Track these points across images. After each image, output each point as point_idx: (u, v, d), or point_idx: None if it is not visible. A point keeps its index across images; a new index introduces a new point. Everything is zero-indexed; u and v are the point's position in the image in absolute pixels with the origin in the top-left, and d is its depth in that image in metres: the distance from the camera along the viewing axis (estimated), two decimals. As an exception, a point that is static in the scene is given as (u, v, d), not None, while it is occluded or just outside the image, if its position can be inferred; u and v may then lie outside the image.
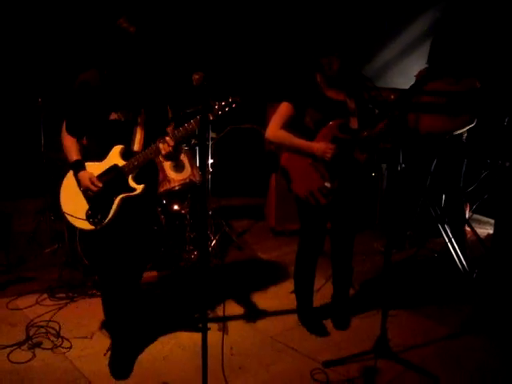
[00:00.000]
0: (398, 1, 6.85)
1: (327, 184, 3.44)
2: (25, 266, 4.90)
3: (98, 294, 4.26)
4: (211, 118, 2.86)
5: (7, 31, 6.36)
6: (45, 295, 4.26)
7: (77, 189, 3.21)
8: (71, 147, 3.21)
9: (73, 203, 3.23)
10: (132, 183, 3.15)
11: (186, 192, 4.77)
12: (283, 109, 3.51)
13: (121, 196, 3.15)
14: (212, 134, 5.42)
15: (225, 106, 2.86)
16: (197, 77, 2.52)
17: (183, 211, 4.74)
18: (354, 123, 3.51)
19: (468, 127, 4.91)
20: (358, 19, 6.59)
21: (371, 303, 4.16)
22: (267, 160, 5.86)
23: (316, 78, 3.52)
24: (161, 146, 3.04)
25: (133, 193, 3.15)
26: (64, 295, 4.26)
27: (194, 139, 5.05)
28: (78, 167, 3.17)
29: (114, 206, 3.15)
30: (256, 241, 5.80)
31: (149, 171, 3.27)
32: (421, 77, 4.36)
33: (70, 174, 3.25)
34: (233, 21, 6.71)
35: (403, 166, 4.27)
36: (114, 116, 3.12)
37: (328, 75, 3.44)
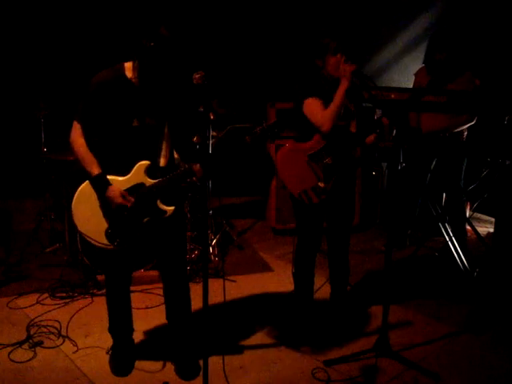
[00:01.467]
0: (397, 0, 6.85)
1: (321, 184, 3.45)
2: (25, 265, 4.89)
3: (99, 293, 4.28)
4: (248, 141, 2.83)
5: (10, 31, 6.37)
6: (45, 294, 4.27)
7: (94, 205, 2.94)
8: (90, 158, 2.90)
9: (90, 222, 2.95)
10: (161, 205, 2.95)
11: (186, 191, 4.77)
12: (315, 102, 3.39)
13: (148, 219, 2.96)
14: (212, 133, 5.42)
15: (267, 130, 2.92)
16: (197, 76, 2.52)
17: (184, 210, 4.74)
18: (353, 127, 3.52)
19: (468, 125, 4.92)
20: (358, 17, 6.58)
21: (372, 302, 4.17)
22: (268, 159, 5.86)
23: (321, 79, 3.49)
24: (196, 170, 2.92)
25: (162, 216, 2.96)
26: (65, 294, 4.27)
27: (196, 137, 5.04)
28: (104, 183, 2.89)
29: (140, 229, 2.96)
30: (257, 240, 5.80)
31: (178, 188, 3.11)
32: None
33: (84, 189, 2.97)
34: (232, 20, 6.70)
35: (403, 164, 4.25)
36: (136, 123, 2.89)
37: (328, 76, 3.43)
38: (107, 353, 3.45)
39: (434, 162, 5.16)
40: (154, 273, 4.39)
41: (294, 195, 3.49)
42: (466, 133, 5.01)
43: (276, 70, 6.71)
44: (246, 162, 6.77)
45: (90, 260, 4.39)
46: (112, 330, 3.40)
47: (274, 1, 6.72)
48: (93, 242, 2.94)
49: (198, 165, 2.88)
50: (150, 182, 2.93)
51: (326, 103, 3.36)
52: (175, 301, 3.28)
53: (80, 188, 2.97)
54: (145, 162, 2.91)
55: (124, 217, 2.93)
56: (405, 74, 6.45)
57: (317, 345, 3.58)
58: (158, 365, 3.35)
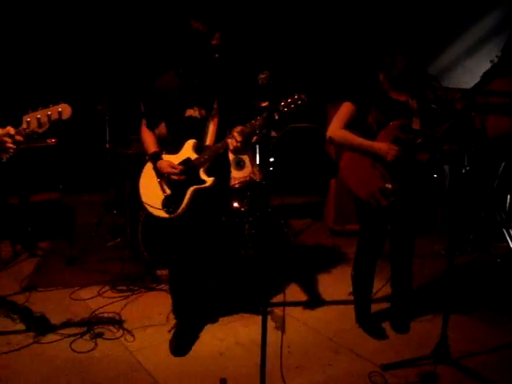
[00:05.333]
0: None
1: (388, 185, 3.39)
2: (88, 258, 5.04)
3: (158, 287, 4.37)
4: (276, 118, 2.88)
5: (79, 30, 6.55)
6: (107, 287, 4.38)
7: (153, 180, 3.42)
8: (150, 141, 3.45)
9: (150, 193, 3.45)
10: (203, 176, 3.32)
11: (245, 190, 4.79)
12: (345, 108, 3.48)
13: (193, 188, 3.32)
14: (272, 133, 5.42)
15: (291, 103, 2.89)
16: (263, 76, 2.53)
17: (242, 209, 4.76)
18: (416, 124, 3.45)
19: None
20: (423, 17, 6.46)
21: (431, 307, 4.07)
22: (327, 159, 5.82)
23: (379, 78, 3.48)
24: (229, 141, 3.17)
25: (203, 185, 3.31)
26: (125, 288, 4.37)
27: (256, 137, 5.06)
28: (157, 157, 3.37)
29: (187, 197, 3.32)
30: (314, 240, 5.77)
31: (220, 165, 3.43)
32: (484, 74, 4.24)
33: (147, 166, 3.48)
34: (295, 20, 6.69)
35: (468, 168, 4.18)
36: (188, 113, 3.32)
37: (391, 75, 3.40)
38: (169, 331, 3.61)
39: (502, 166, 5.00)
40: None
41: (363, 199, 3.45)
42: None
43: (337, 69, 6.66)
44: (305, 161, 6.78)
45: (150, 254, 4.50)
46: (175, 311, 3.67)
47: (336, 2, 6.67)
48: (153, 211, 3.42)
49: (233, 139, 3.15)
50: (195, 156, 3.33)
51: (364, 111, 3.43)
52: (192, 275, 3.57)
53: (145, 167, 3.52)
54: (192, 140, 3.33)
55: (173, 185, 3.36)
56: (468, 76, 6.28)
57: (374, 348, 3.54)
58: (214, 360, 3.39)
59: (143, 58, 6.49)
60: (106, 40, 6.63)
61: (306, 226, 6.24)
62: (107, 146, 5.27)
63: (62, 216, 5.62)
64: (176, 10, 5.24)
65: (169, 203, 3.37)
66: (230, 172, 3.71)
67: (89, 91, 5.63)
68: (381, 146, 3.36)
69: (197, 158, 3.30)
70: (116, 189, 5.46)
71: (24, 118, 2.79)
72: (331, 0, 6.70)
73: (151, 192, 3.44)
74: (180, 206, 3.33)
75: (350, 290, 3.90)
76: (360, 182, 3.46)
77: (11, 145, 2.80)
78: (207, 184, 3.31)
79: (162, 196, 3.39)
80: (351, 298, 3.88)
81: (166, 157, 3.39)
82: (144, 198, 3.48)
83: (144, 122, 3.49)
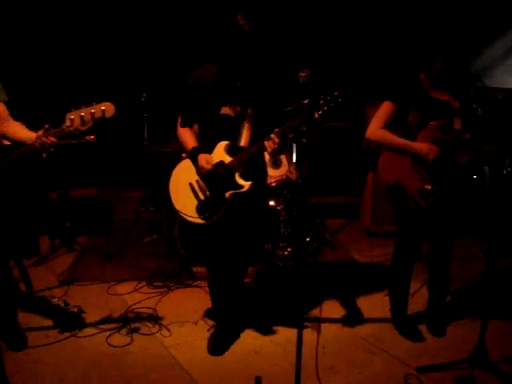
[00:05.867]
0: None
1: (428, 186, 3.35)
2: (125, 253, 5.11)
3: (194, 284, 4.40)
4: (316, 116, 2.85)
5: (116, 28, 6.63)
6: (143, 283, 4.43)
7: (184, 185, 3.30)
8: (188, 137, 3.31)
9: (183, 199, 3.30)
10: (239, 180, 3.18)
11: (282, 188, 4.79)
12: (385, 108, 3.45)
13: (229, 193, 3.18)
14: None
15: (330, 101, 2.85)
16: (303, 74, 2.52)
17: (279, 207, 4.76)
18: (457, 124, 3.39)
19: None
20: (463, 16, 6.35)
21: (468, 311, 4.01)
22: (364, 159, 5.76)
23: (420, 77, 3.43)
24: (266, 143, 3.05)
25: (240, 190, 3.17)
26: (161, 284, 4.41)
27: (292, 134, 5.05)
28: (196, 152, 3.24)
29: (224, 203, 3.20)
30: (350, 240, 5.73)
31: (256, 167, 3.31)
32: None
33: (176, 171, 3.38)
34: (333, 19, 6.65)
35: (509, 169, 4.09)
36: (224, 111, 3.19)
37: (432, 74, 3.35)
38: (208, 330, 3.62)
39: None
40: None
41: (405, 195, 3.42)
42: None
43: (376, 69, 6.59)
44: (342, 160, 6.72)
45: (187, 251, 4.52)
46: (214, 312, 3.64)
47: (375, 2, 6.61)
48: (187, 217, 3.28)
49: (270, 141, 3.03)
50: (228, 159, 3.19)
51: (405, 111, 3.38)
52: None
53: (173, 172, 3.40)
54: (225, 142, 3.20)
55: (208, 190, 3.24)
56: (510, 75, 6.16)
57: (410, 350, 3.50)
58: (249, 358, 3.40)
59: (183, 54, 6.52)
60: (144, 37, 6.68)
61: (341, 225, 6.20)
62: (145, 143, 5.33)
63: (100, 211, 5.69)
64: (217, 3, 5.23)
65: (204, 209, 3.24)
66: (266, 173, 3.59)
67: (128, 88, 5.69)
68: (421, 146, 3.32)
69: (231, 162, 3.17)
70: (153, 186, 5.51)
71: (67, 115, 2.84)
72: (371, 5, 6.63)
73: (184, 198, 3.30)
74: (217, 212, 3.21)
75: (386, 291, 3.86)
76: (399, 182, 3.42)
77: (48, 143, 2.87)
78: (245, 189, 3.17)
79: (195, 201, 3.27)
80: (387, 299, 3.84)
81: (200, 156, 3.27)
82: (178, 206, 3.33)
83: (179, 120, 3.38)
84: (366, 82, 6.51)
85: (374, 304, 4.15)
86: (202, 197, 3.26)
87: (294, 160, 5.09)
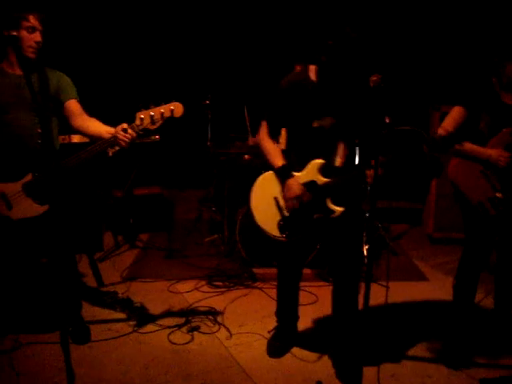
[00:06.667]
0: None
1: (498, 194, 3.24)
2: (185, 252, 5.17)
3: (254, 285, 4.39)
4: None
5: (184, 31, 6.73)
6: (203, 282, 4.47)
7: (271, 199, 3.09)
8: (274, 151, 3.09)
9: (265, 214, 3.11)
10: (330, 205, 2.98)
11: (361, 194, 4.72)
12: (455, 113, 3.36)
13: (316, 216, 3.01)
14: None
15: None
16: (374, 78, 2.49)
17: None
18: None
19: None
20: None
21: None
22: (428, 164, 5.64)
23: (492, 83, 3.33)
24: (368, 173, 2.93)
25: (330, 215, 2.99)
26: (221, 284, 4.44)
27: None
28: (287, 174, 3.02)
29: (309, 225, 3.04)
30: (411, 247, 5.62)
31: (352, 190, 3.11)
32: None
33: (259, 182, 3.17)
34: (398, 21, 6.56)
35: None
36: (317, 123, 2.96)
37: (502, 80, 3.25)
38: (269, 332, 3.61)
39: None
40: (307, 271, 4.41)
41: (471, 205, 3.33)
42: None
43: (443, 74, 6.46)
44: (405, 165, 6.60)
45: (247, 253, 4.54)
46: (278, 314, 3.54)
47: (442, 9, 6.48)
48: (266, 232, 3.10)
49: (372, 170, 2.78)
50: (322, 180, 2.98)
51: (476, 117, 3.29)
52: (341, 301, 3.27)
53: (256, 183, 3.18)
54: (319, 161, 2.97)
55: (296, 211, 3.02)
56: None
57: (473, 362, 3.39)
58: (313, 356, 3.40)
59: (247, 58, 6.56)
60: (212, 40, 6.76)
61: (404, 231, 6.09)
62: (208, 144, 5.38)
63: (163, 210, 5.79)
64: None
65: (285, 227, 3.04)
66: (364, 197, 3.37)
67: (192, 90, 5.76)
68: (492, 152, 3.22)
69: (324, 184, 2.96)
70: (215, 186, 5.57)
71: (137, 114, 2.91)
72: (438, 6, 6.50)
73: (266, 212, 3.09)
74: (298, 233, 3.03)
75: (449, 300, 3.76)
76: (468, 188, 3.33)
77: (124, 139, 2.92)
78: (335, 214, 2.95)
79: (278, 216, 3.07)
80: (449, 308, 3.74)
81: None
82: (260, 222, 3.11)
83: (265, 128, 3.13)
84: (431, 86, 6.40)
85: (436, 313, 4.05)
86: (285, 213, 3.06)
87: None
